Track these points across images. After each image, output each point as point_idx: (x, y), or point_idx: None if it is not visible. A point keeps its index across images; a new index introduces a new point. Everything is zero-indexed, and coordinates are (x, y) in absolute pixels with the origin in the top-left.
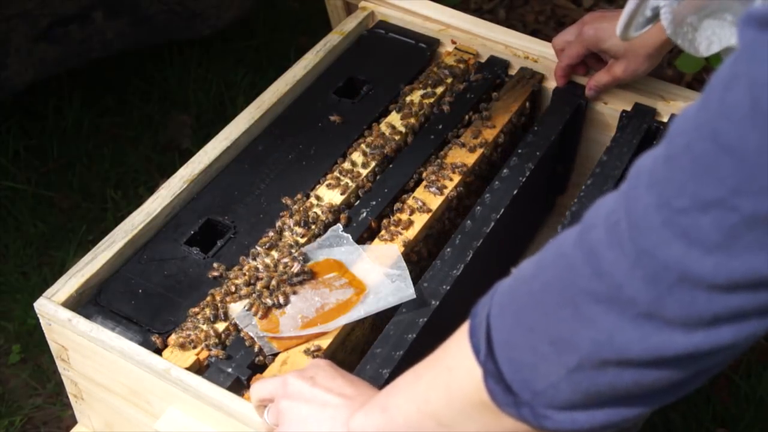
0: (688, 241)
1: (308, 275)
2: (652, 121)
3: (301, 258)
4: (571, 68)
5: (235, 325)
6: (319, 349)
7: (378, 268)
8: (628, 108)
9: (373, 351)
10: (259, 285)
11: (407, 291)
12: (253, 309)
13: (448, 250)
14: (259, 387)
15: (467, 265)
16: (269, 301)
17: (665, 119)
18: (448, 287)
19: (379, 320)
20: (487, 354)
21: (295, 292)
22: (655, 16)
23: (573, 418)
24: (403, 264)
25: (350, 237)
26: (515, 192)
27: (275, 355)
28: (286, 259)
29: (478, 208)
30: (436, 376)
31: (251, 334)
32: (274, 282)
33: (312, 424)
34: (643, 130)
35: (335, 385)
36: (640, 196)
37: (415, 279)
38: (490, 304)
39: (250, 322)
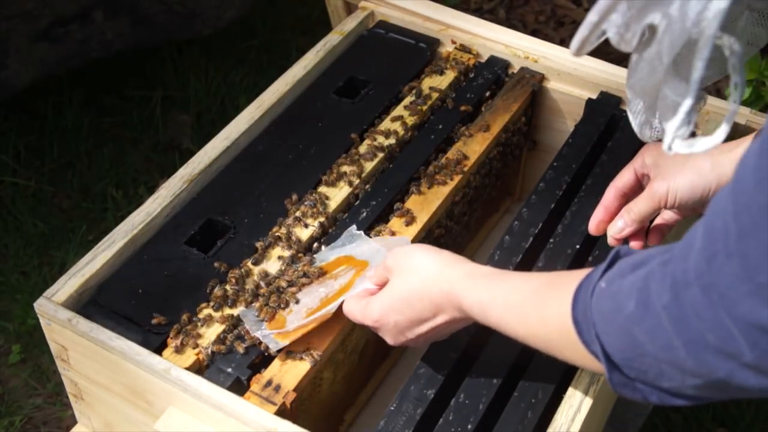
0: None
1: (317, 275)
2: None
3: (309, 262)
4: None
5: (236, 325)
6: (317, 352)
7: (384, 250)
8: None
9: (416, 372)
10: (265, 289)
11: None
12: (261, 314)
13: (488, 266)
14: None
15: None
16: (275, 305)
17: None
18: None
19: None
20: (603, 354)
21: (301, 290)
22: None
23: (687, 397)
24: None
25: (363, 234)
26: (552, 206)
27: (278, 351)
28: (294, 264)
29: (516, 222)
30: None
31: (258, 335)
32: (282, 285)
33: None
34: None
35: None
36: (722, 266)
37: None
38: (593, 319)
39: (257, 323)
